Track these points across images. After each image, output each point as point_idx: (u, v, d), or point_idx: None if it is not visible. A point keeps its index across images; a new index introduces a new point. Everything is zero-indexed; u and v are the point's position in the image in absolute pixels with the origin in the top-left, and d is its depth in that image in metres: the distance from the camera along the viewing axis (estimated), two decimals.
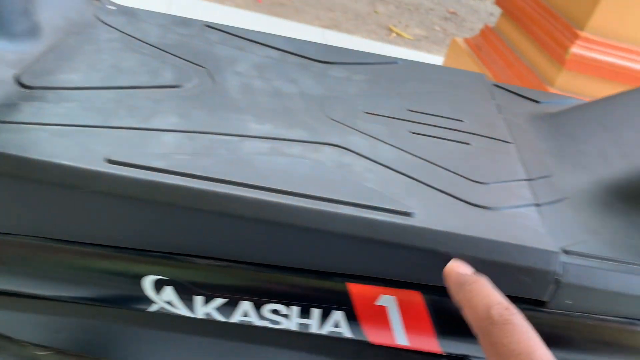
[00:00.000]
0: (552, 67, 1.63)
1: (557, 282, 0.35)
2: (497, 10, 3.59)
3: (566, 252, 0.36)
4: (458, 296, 0.33)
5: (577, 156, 0.45)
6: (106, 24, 0.52)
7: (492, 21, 3.59)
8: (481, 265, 0.35)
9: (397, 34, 3.23)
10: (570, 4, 1.63)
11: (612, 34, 1.57)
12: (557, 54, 1.58)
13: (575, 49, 1.53)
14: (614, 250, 0.38)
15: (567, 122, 0.50)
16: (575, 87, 1.60)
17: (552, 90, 1.60)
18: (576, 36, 1.54)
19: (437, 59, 2.86)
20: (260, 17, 2.73)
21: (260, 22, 2.66)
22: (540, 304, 0.37)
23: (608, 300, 0.37)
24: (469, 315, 0.32)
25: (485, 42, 1.99)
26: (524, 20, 1.80)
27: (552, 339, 0.37)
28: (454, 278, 0.34)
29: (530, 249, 0.35)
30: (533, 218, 0.39)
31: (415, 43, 3.19)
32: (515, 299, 0.37)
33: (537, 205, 0.40)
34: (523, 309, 0.37)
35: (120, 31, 0.52)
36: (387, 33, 3.20)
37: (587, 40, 1.54)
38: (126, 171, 0.35)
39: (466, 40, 2.11)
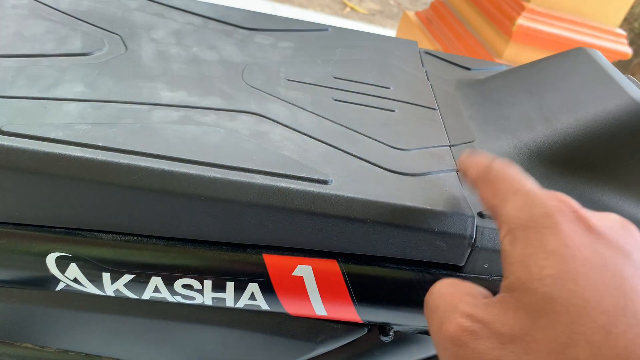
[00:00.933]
0: (500, 39, 1.64)
1: (473, 246, 0.35)
2: None
3: (482, 216, 0.36)
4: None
5: (500, 121, 0.45)
6: None
7: None
8: (397, 231, 0.34)
9: (352, 8, 3.20)
10: None
11: (557, 6, 1.59)
12: (505, 26, 1.59)
13: (522, 21, 1.54)
14: None
15: (493, 88, 0.49)
16: (522, 59, 1.62)
17: (499, 61, 1.61)
18: (522, 8, 1.55)
19: (390, 33, 2.85)
20: None
21: None
22: (456, 268, 0.36)
23: None
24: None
25: (436, 15, 1.99)
26: None
27: None
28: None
29: (446, 214, 0.35)
30: (452, 183, 0.38)
31: (369, 17, 3.17)
32: (433, 264, 0.37)
33: (457, 170, 0.40)
34: (441, 274, 0.37)
35: None
36: (341, 7, 3.16)
37: (532, 12, 1.56)
38: (20, 142, 0.32)
39: (417, 14, 2.10)
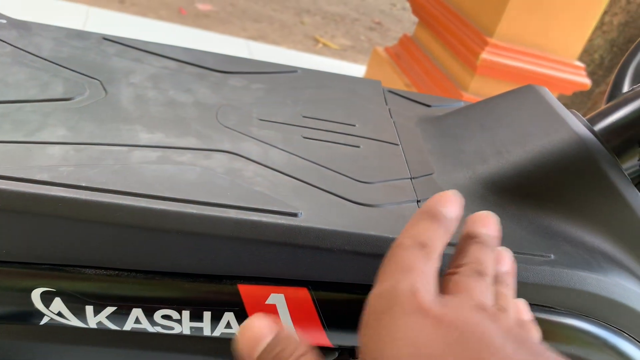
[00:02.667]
0: (465, 73, 1.71)
1: None
2: None
3: None
4: None
5: (457, 154, 0.49)
6: None
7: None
8: (363, 259, 0.37)
9: (324, 44, 3.28)
10: (479, 13, 1.72)
11: (518, 40, 1.67)
12: (469, 60, 1.66)
13: (485, 55, 1.62)
14: None
15: (450, 124, 0.53)
16: (487, 91, 1.69)
17: (466, 94, 1.68)
18: (485, 43, 1.63)
19: (361, 68, 2.93)
20: (184, 30, 2.71)
21: (185, 34, 2.64)
22: None
23: None
24: None
25: (404, 50, 2.06)
26: (438, 28, 1.88)
27: None
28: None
29: None
30: (413, 213, 0.41)
31: (341, 53, 3.26)
32: None
33: (418, 201, 0.43)
34: None
35: (11, 45, 0.51)
36: (313, 43, 3.25)
37: (495, 46, 1.63)
38: (7, 185, 0.34)
39: (386, 49, 2.18)
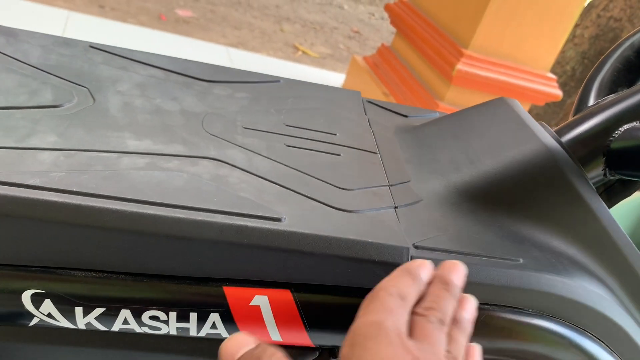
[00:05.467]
0: (441, 83, 1.75)
1: None
2: None
3: (416, 247, 0.41)
4: None
5: (432, 163, 0.51)
6: None
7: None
8: (343, 262, 0.39)
9: (303, 52, 3.31)
10: (455, 24, 1.77)
11: (493, 52, 1.72)
12: (445, 70, 1.70)
13: (461, 66, 1.66)
14: (459, 244, 0.43)
15: (426, 134, 0.56)
16: (462, 101, 1.73)
17: (442, 104, 1.72)
18: (461, 54, 1.67)
19: (340, 76, 2.96)
20: (164, 36, 2.71)
21: (165, 40, 2.64)
22: None
23: None
24: None
25: (382, 59, 2.10)
26: (415, 39, 1.92)
27: None
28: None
29: (384, 246, 0.40)
30: (390, 219, 0.43)
31: (320, 61, 3.29)
32: None
33: (396, 207, 0.45)
34: None
35: None
36: (293, 51, 3.27)
37: (470, 57, 1.68)
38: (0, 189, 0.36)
39: (365, 58, 2.21)
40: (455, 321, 0.38)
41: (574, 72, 2.78)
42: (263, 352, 0.34)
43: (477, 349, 0.40)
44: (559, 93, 1.89)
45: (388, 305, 0.35)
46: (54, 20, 2.36)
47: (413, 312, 0.36)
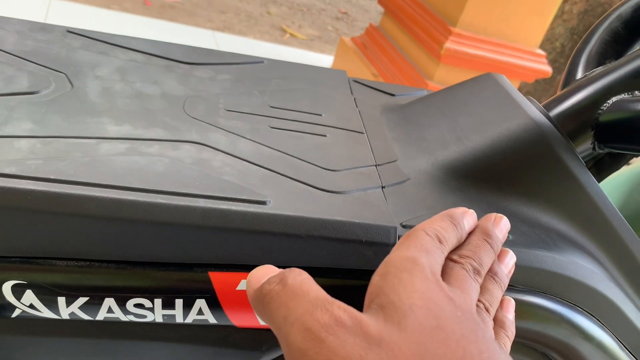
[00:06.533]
0: (430, 62, 1.74)
1: None
2: None
3: (404, 226, 0.41)
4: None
5: (419, 142, 0.50)
6: None
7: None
8: (330, 243, 0.39)
9: (291, 34, 3.28)
10: (443, 2, 1.75)
11: (481, 30, 1.71)
12: (434, 49, 1.69)
13: (449, 44, 1.64)
14: None
15: (413, 112, 0.55)
16: (452, 80, 1.72)
17: (431, 83, 1.71)
18: (449, 32, 1.66)
19: (329, 58, 2.94)
20: (149, 21, 2.67)
21: (150, 26, 2.61)
22: None
23: None
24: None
25: (370, 40, 2.08)
26: (403, 18, 1.90)
27: None
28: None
29: (371, 226, 0.39)
30: (378, 199, 0.43)
31: (308, 43, 3.26)
32: (363, 272, 0.41)
33: (383, 187, 0.44)
34: (367, 281, 0.41)
35: None
36: (280, 34, 3.24)
37: (459, 35, 1.66)
38: None
39: (353, 39, 2.19)
40: (492, 273, 0.37)
41: (563, 49, 2.78)
42: (289, 273, 0.34)
43: (511, 304, 0.39)
44: (548, 69, 1.88)
45: (425, 244, 0.34)
46: (35, 6, 2.32)
47: (449, 258, 0.36)
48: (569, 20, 2.68)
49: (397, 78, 1.80)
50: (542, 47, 1.94)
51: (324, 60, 2.94)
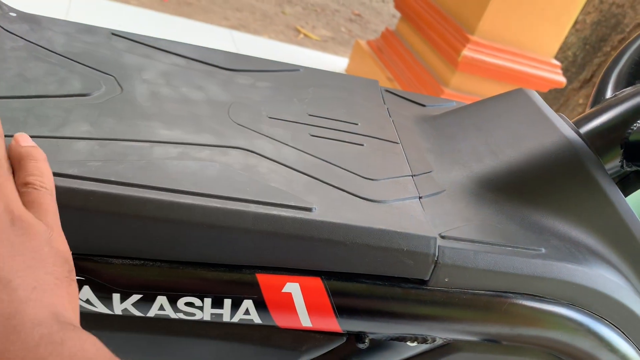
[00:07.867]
0: (446, 68, 1.75)
1: (436, 263, 0.41)
2: (399, 13, 3.75)
3: (443, 237, 0.42)
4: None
5: (454, 153, 0.52)
6: (8, 31, 0.53)
7: (394, 23, 3.75)
8: (372, 251, 0.40)
9: (305, 34, 3.29)
10: (461, 10, 1.76)
11: (498, 38, 1.72)
12: (451, 56, 1.70)
13: (467, 52, 1.66)
14: (483, 234, 0.44)
15: (446, 124, 0.56)
16: (467, 87, 1.73)
17: (447, 90, 1.72)
18: (467, 40, 1.67)
19: (342, 59, 2.95)
20: (166, 18, 2.69)
21: (167, 22, 2.62)
22: (422, 282, 0.43)
23: (479, 277, 0.43)
24: None
25: (386, 44, 2.09)
26: (420, 24, 1.92)
27: (433, 312, 0.43)
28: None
29: (412, 236, 0.41)
30: (416, 209, 0.44)
31: (322, 44, 3.27)
32: (402, 279, 0.43)
33: (420, 197, 0.46)
34: (409, 288, 0.43)
35: (24, 39, 0.52)
36: (294, 34, 3.25)
37: (476, 43, 1.68)
38: None
39: (368, 43, 2.21)
40: None
41: (575, 58, 2.78)
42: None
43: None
44: (563, 80, 1.89)
45: None
46: (57, 1, 2.34)
47: None
48: (581, 30, 2.69)
49: (412, 83, 1.82)
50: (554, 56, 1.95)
51: (339, 62, 2.95)
